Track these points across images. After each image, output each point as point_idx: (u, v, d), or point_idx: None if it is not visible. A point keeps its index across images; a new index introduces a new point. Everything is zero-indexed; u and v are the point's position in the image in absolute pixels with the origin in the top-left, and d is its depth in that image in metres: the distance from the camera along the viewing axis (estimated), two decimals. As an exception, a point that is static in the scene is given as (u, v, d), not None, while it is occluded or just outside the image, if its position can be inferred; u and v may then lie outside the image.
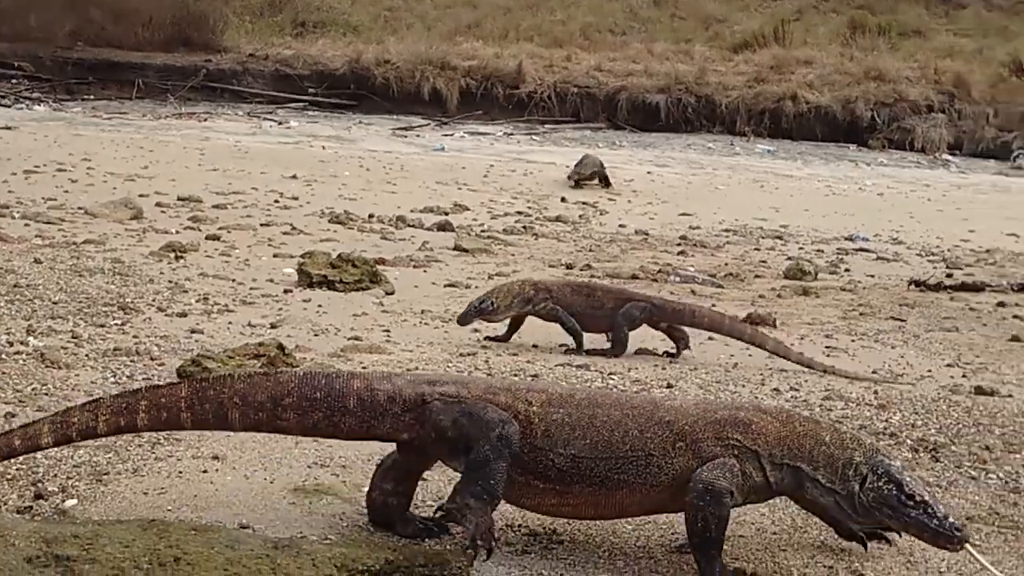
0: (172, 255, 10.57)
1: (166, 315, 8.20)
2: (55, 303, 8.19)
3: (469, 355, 7.60)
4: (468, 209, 16.11)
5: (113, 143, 21.41)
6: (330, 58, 34.02)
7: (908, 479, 3.98)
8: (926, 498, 3.93)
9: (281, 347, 6.68)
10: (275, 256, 11.17)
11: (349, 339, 7.83)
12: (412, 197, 16.80)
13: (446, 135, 28.83)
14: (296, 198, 15.81)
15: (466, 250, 12.31)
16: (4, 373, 6.20)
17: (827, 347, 8.70)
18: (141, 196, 14.32)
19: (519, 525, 4.55)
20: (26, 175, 15.88)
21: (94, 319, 7.79)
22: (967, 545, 3.91)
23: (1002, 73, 33.05)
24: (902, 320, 10.00)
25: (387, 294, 9.66)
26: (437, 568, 4.00)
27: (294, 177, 18.09)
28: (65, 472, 4.72)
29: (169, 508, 4.40)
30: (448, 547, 4.25)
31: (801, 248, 14.74)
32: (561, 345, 8.10)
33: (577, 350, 7.98)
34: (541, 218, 15.89)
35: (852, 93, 31.96)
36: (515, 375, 7.01)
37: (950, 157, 30.06)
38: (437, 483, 4.80)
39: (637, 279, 11.31)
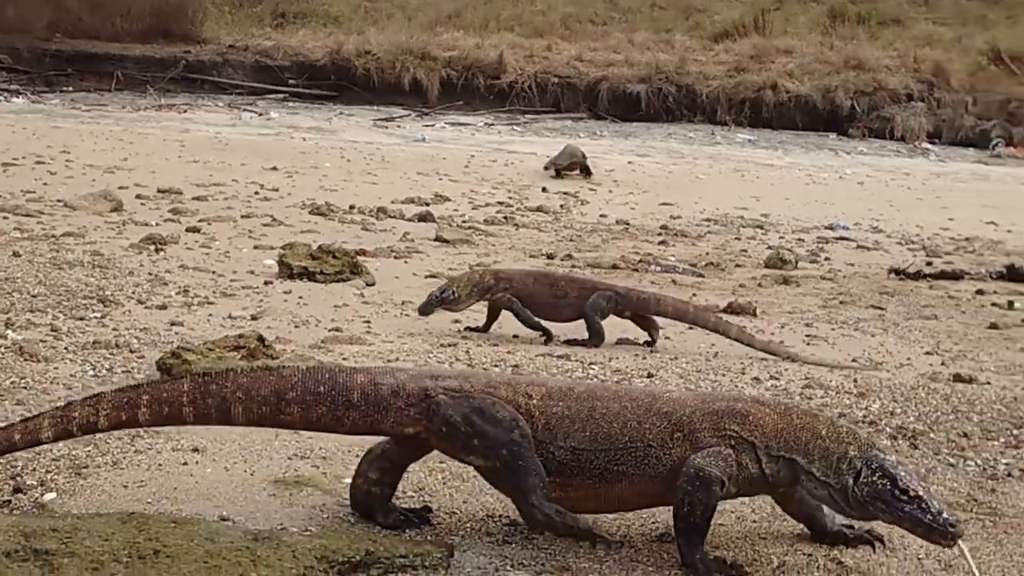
0: (152, 247, 10.53)
1: (146, 307, 8.17)
2: (34, 296, 8.16)
3: (450, 346, 7.60)
4: (449, 200, 16.10)
5: (92, 135, 21.33)
6: (310, 49, 33.95)
7: (903, 474, 3.98)
8: (920, 493, 3.93)
9: (261, 339, 6.67)
10: (255, 248, 11.14)
11: (330, 330, 7.82)
12: (393, 188, 16.78)
13: (427, 126, 28.80)
14: (277, 189, 15.77)
15: (447, 241, 12.30)
16: (-17, 367, 6.18)
17: (807, 336, 8.73)
18: (121, 188, 14.26)
19: (500, 515, 4.56)
20: (4, 168, 15.81)
21: (73, 312, 7.76)
22: (960, 542, 3.92)
23: (981, 62, 33.18)
24: (882, 308, 10.05)
25: (368, 285, 9.65)
26: (418, 559, 4.00)
27: (275, 169, 18.05)
28: (44, 466, 4.71)
29: (149, 501, 4.39)
30: (428, 537, 4.25)
31: (782, 237, 14.78)
32: (542, 335, 8.10)
33: (546, 340, 7.96)
34: (522, 208, 15.89)
35: (832, 82, 32.06)
36: (496, 366, 7.02)
37: (929, 146, 30.18)
38: (418, 474, 4.80)
39: (618, 269, 11.32)
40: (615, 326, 8.31)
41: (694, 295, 10.13)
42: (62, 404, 4.20)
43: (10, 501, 4.35)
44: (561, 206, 16.39)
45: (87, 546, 3.66)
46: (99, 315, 7.76)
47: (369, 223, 13.37)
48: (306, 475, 4.81)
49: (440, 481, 4.82)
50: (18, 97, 29.51)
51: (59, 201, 12.96)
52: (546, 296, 8.06)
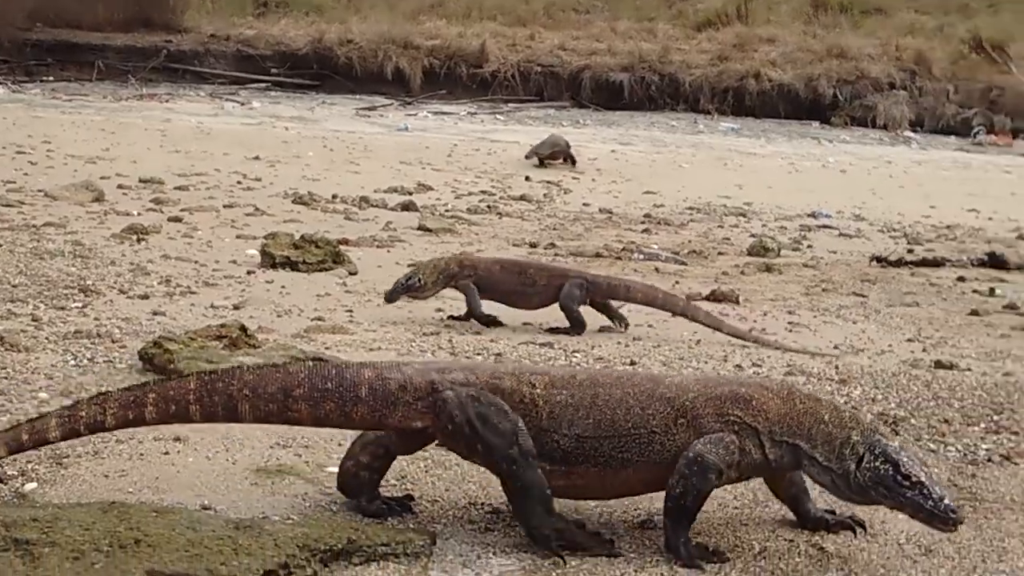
0: (134, 237, 10.50)
1: (128, 297, 8.15)
2: (15, 286, 8.12)
3: (432, 334, 7.60)
4: (432, 189, 16.08)
5: (73, 125, 21.24)
6: (292, 38, 33.84)
7: (905, 459, 3.99)
8: (922, 479, 3.93)
9: (243, 328, 6.66)
10: (238, 237, 11.11)
11: (312, 320, 7.81)
12: (376, 177, 16.75)
13: (410, 115, 28.74)
14: (259, 179, 15.73)
15: (430, 230, 12.29)
16: (-37, 357, 6.15)
17: (789, 323, 8.75)
18: (102, 178, 14.21)
19: (482, 503, 4.56)
20: (-16, 158, 15.73)
21: (54, 302, 7.73)
22: (961, 529, 3.94)
23: (962, 50, 33.25)
24: (863, 296, 10.08)
25: (350, 274, 9.64)
26: (400, 547, 4.01)
27: (257, 158, 18.00)
28: (25, 455, 4.66)
29: (130, 490, 4.38)
30: (411, 525, 4.26)
31: (764, 225, 14.80)
32: (487, 325, 8.07)
33: (488, 327, 7.93)
34: (505, 197, 15.88)
35: (814, 71, 32.09)
36: (478, 354, 7.02)
37: (911, 134, 30.26)
38: (400, 463, 4.78)
39: (601, 257, 11.33)
40: (597, 314, 8.32)
41: (677, 283, 10.15)
42: (69, 404, 4.18)
43: (-9, 491, 4.34)
44: (544, 195, 16.39)
45: (68, 536, 3.65)
46: (80, 305, 7.73)
47: (352, 212, 13.35)
48: (288, 464, 4.81)
49: (422, 469, 4.82)
50: (-2, 87, 29.37)
51: (40, 191, 12.91)
52: (514, 284, 8.04)
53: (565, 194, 16.77)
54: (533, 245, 11.90)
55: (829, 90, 31.80)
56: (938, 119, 31.23)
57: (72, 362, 6.23)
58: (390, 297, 8.01)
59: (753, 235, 13.44)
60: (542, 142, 20.07)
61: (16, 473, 4.51)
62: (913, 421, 6.03)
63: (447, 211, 14.04)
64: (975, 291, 10.61)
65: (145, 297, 8.17)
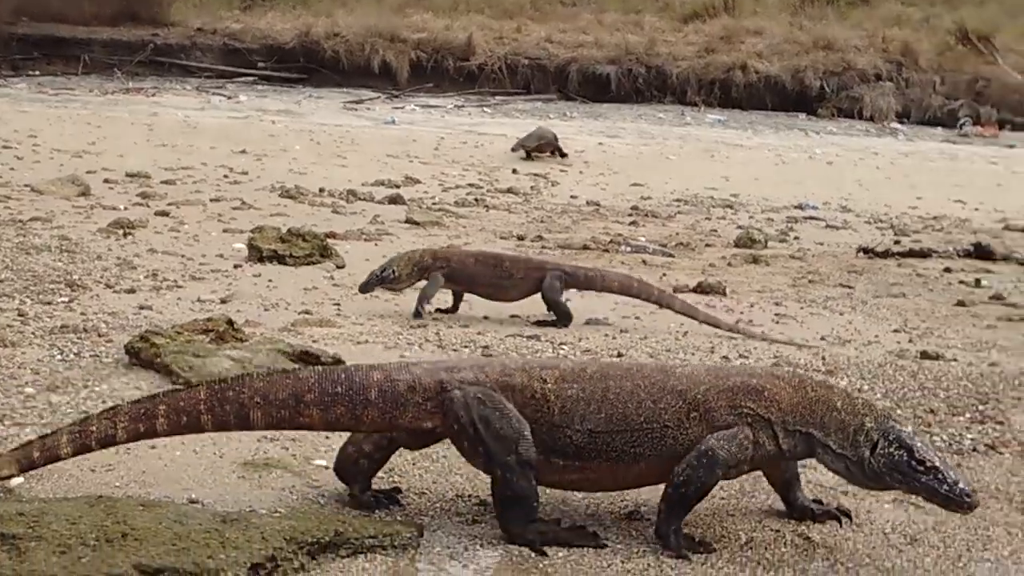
0: (120, 231, 10.47)
1: (114, 291, 8.13)
2: (0, 281, 8.10)
3: (419, 327, 7.60)
4: (419, 182, 16.07)
5: (59, 119, 21.16)
6: (279, 32, 33.75)
7: (919, 445, 4.02)
8: (936, 463, 3.97)
9: (230, 322, 6.65)
10: (225, 231, 11.09)
11: (300, 313, 7.81)
12: (363, 171, 16.73)
13: (397, 108, 28.70)
14: (246, 173, 15.71)
15: (417, 223, 12.29)
16: (-51, 352, 6.14)
17: (776, 314, 8.77)
18: (88, 173, 14.16)
19: (469, 495, 4.57)
20: (-30, 153, 15.67)
21: (40, 296, 7.71)
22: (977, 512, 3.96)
23: (948, 41, 33.30)
24: (850, 287, 10.11)
25: (338, 268, 9.63)
26: (387, 539, 4.02)
27: (244, 152, 17.96)
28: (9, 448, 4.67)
29: (117, 484, 4.37)
30: (398, 518, 4.26)
31: (751, 217, 14.82)
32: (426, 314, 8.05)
33: (416, 316, 7.91)
34: (492, 190, 15.88)
35: (801, 62, 32.11)
36: (465, 347, 7.03)
37: (898, 125, 30.31)
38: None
39: (588, 249, 11.34)
40: (585, 307, 8.34)
41: (664, 275, 10.16)
42: (79, 419, 4.17)
43: (-23, 486, 4.33)
44: (531, 188, 16.39)
45: (54, 530, 3.65)
46: (67, 299, 7.71)
47: (339, 206, 13.34)
48: (275, 457, 4.81)
49: (409, 462, 4.82)
50: (-16, 81, 29.24)
51: (26, 186, 12.86)
52: (490, 277, 8.05)
53: (552, 187, 16.78)
54: (520, 238, 11.90)
55: (816, 82, 31.83)
56: (924, 110, 31.29)
57: (58, 356, 6.21)
58: (364, 288, 8.03)
59: (740, 227, 13.47)
60: (528, 135, 20.06)
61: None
62: (899, 411, 6.04)
63: (434, 204, 14.04)
64: (961, 282, 10.64)
65: (131, 291, 8.15)
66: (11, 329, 6.70)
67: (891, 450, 4.01)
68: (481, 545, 4.12)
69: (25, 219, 10.75)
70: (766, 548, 4.22)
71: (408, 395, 4.16)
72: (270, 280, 8.94)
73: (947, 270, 11.20)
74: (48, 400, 5.38)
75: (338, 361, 6.20)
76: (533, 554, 4.05)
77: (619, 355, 7.01)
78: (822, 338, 7.96)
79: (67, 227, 10.55)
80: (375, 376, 4.17)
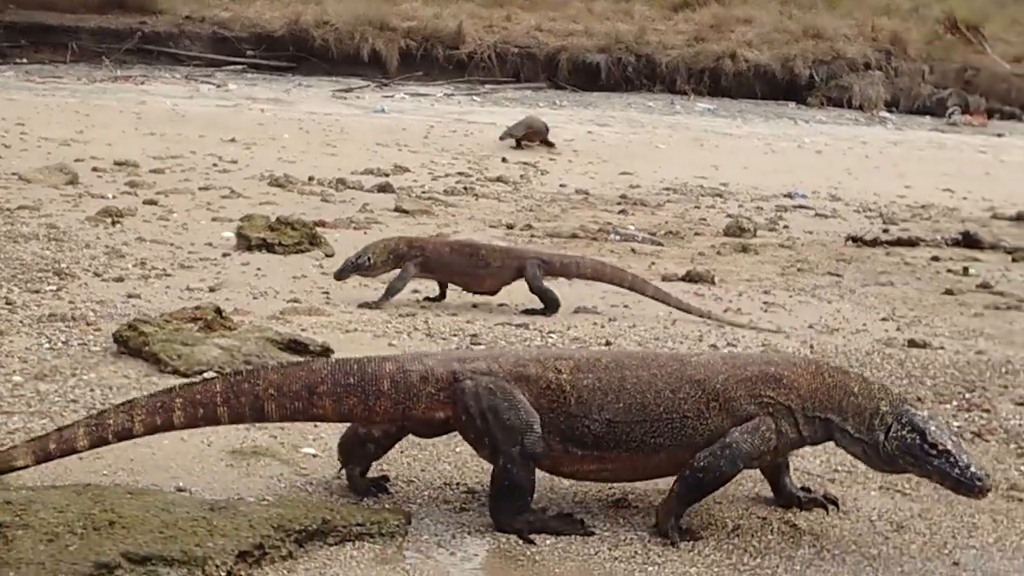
0: (109, 220, 10.44)
1: (102, 280, 8.12)
2: (-12, 269, 8.09)
3: (408, 316, 7.61)
4: (409, 171, 16.04)
5: (47, 107, 21.09)
6: (268, 20, 33.63)
7: (932, 428, 4.03)
8: (949, 447, 3.98)
9: (219, 310, 6.65)
10: (214, 220, 11.07)
11: (288, 301, 7.81)
12: (352, 159, 16.70)
13: (386, 97, 28.65)
14: (235, 161, 15.67)
15: (407, 211, 12.28)
16: (-64, 341, 6.13)
17: (765, 303, 8.78)
18: (77, 161, 14.12)
19: (457, 483, 4.58)
20: (-42, 141, 15.62)
21: (29, 285, 7.69)
22: (990, 496, 3.97)
23: (937, 30, 33.35)
24: (839, 275, 10.13)
25: (327, 256, 9.62)
26: (375, 527, 4.03)
27: (233, 140, 17.92)
28: (-1, 439, 4.68)
29: (104, 473, 4.37)
30: (386, 505, 4.27)
31: (740, 206, 14.83)
32: (363, 304, 8.01)
33: (375, 304, 7.87)
34: (482, 179, 15.86)
35: (791, 51, 32.12)
36: (454, 335, 7.04)
37: (887, 114, 30.35)
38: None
39: (577, 238, 11.34)
40: (574, 295, 8.35)
41: (653, 264, 10.18)
42: (96, 412, 4.18)
43: (-36, 474, 4.32)
44: (521, 176, 16.37)
45: (42, 518, 3.65)
46: (55, 288, 7.70)
47: (328, 194, 13.32)
48: (263, 445, 4.81)
49: (397, 449, 4.81)
50: (-29, 69, 29.11)
51: (14, 174, 12.81)
52: (465, 265, 8.04)
53: (542, 175, 16.76)
54: (510, 226, 11.90)
55: (805, 70, 31.84)
56: (913, 99, 31.33)
57: (46, 345, 6.21)
58: (339, 275, 8.02)
59: (729, 216, 13.47)
60: (517, 123, 20.03)
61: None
62: (886, 399, 6.05)
63: (424, 193, 14.02)
64: (949, 270, 10.67)
65: (120, 280, 8.14)
66: (-1, 317, 6.69)
67: (904, 433, 4.04)
68: (469, 533, 4.14)
69: (13, 207, 10.72)
70: (752, 535, 4.24)
71: (420, 386, 4.17)
72: (259, 268, 8.94)
73: (935, 259, 11.24)
74: (36, 388, 5.38)
75: (327, 349, 6.21)
76: (521, 542, 4.06)
77: (607, 343, 7.03)
78: (810, 326, 7.99)
79: (55, 215, 10.52)
80: (387, 367, 4.19)
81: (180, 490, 4.24)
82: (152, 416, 4.04)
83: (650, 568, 3.94)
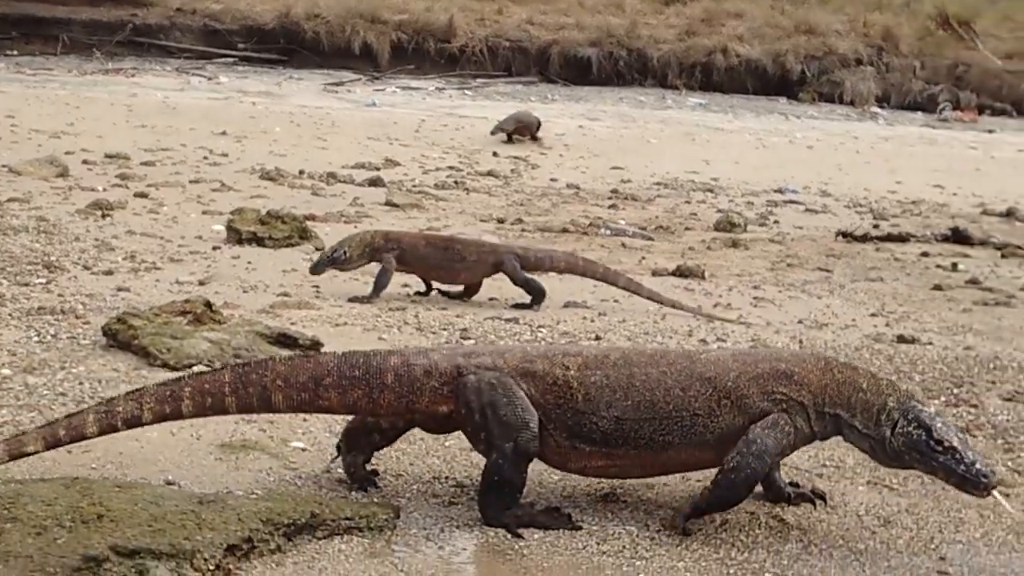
0: (99, 213, 10.43)
1: (92, 273, 8.11)
2: (-23, 262, 8.07)
3: (398, 310, 7.61)
4: (399, 164, 16.04)
5: (38, 99, 21.04)
6: (259, 12, 33.54)
7: (939, 425, 4.04)
8: (955, 444, 3.99)
9: (208, 304, 6.64)
10: (204, 213, 11.06)
11: (278, 295, 7.81)
12: (343, 153, 16.69)
13: (377, 90, 28.62)
14: (226, 154, 15.65)
15: (397, 205, 12.27)
16: (-75, 333, 6.11)
17: (755, 298, 8.80)
18: (67, 153, 14.10)
19: (446, 477, 4.59)
20: (-53, 133, 15.57)
21: (18, 278, 7.68)
22: (995, 492, 3.97)
23: (929, 26, 33.38)
24: (828, 271, 10.15)
25: (317, 250, 9.58)
26: (363, 520, 4.03)
27: (224, 133, 17.89)
28: (-13, 432, 4.67)
29: (93, 466, 4.37)
30: (375, 499, 4.28)
31: (731, 201, 14.85)
32: (354, 299, 8.02)
33: (366, 298, 7.87)
34: (473, 173, 15.86)
35: (782, 46, 32.13)
36: (444, 329, 7.04)
37: (878, 110, 30.38)
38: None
39: (568, 232, 11.35)
40: (564, 290, 8.35)
41: (643, 259, 10.19)
42: (106, 399, 4.20)
43: (-47, 467, 4.31)
44: (512, 171, 16.37)
45: (30, 511, 3.65)
46: (44, 281, 7.68)
47: (319, 188, 13.31)
48: (252, 439, 4.81)
49: (386, 443, 4.83)
50: (-39, 61, 29.02)
51: (4, 166, 12.78)
52: (440, 259, 8.05)
53: (532, 169, 16.77)
54: (500, 220, 11.90)
55: (797, 66, 31.86)
56: (905, 95, 31.36)
57: (35, 338, 6.20)
58: (315, 269, 8.00)
59: (720, 210, 13.49)
60: (508, 118, 20.03)
61: (-22, 449, 4.48)
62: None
63: (414, 187, 14.02)
64: (938, 266, 10.70)
65: (109, 273, 8.13)
66: (-12, 310, 6.68)
67: (910, 429, 4.05)
68: (457, 527, 4.14)
69: (2, 200, 10.70)
70: (740, 530, 4.26)
71: (424, 380, 4.19)
72: (249, 262, 8.93)
73: (925, 254, 11.26)
74: (25, 382, 5.37)
75: (316, 343, 6.21)
76: (509, 536, 4.07)
77: (597, 338, 7.04)
78: (799, 321, 8.00)
79: (45, 208, 10.50)
80: (392, 361, 4.21)
81: (169, 484, 4.25)
82: (161, 404, 4.08)
83: (638, 563, 3.95)
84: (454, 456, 4.81)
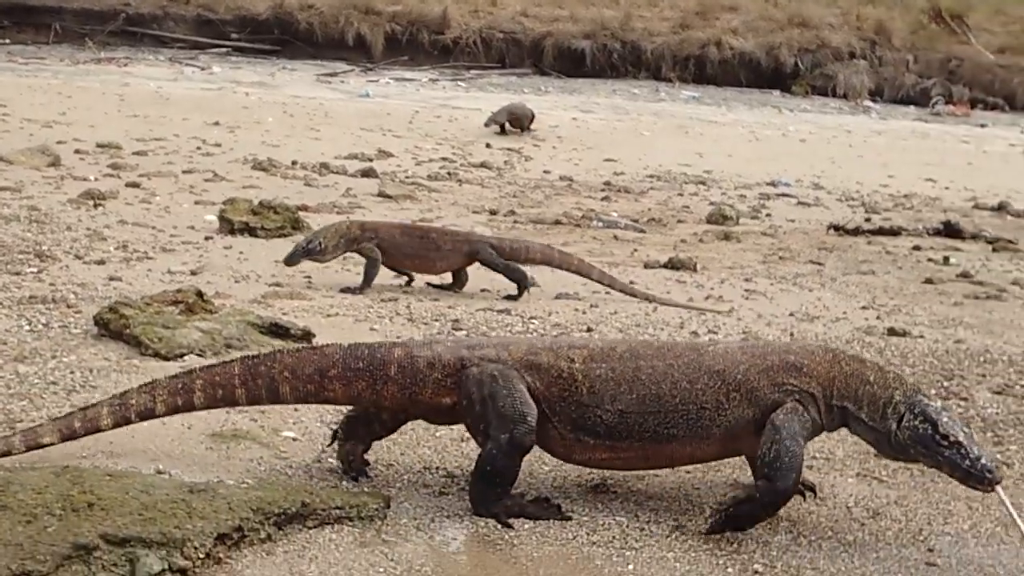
0: (91, 202, 10.42)
1: (84, 263, 8.10)
2: (-31, 251, 8.06)
3: (390, 300, 7.61)
4: (392, 156, 16.04)
5: (30, 89, 20.99)
6: (253, 3, 33.48)
7: (944, 419, 4.04)
8: (960, 438, 3.98)
9: (200, 293, 6.63)
10: (196, 203, 11.05)
11: (270, 285, 7.81)
12: (336, 144, 16.68)
13: (371, 81, 28.59)
14: (218, 145, 15.63)
15: (390, 196, 12.27)
16: (-84, 322, 6.11)
17: (746, 290, 8.81)
18: (59, 143, 14.07)
19: (436, 467, 4.59)
20: (-61, 122, 15.53)
21: (9, 267, 7.67)
22: (998, 488, 3.98)
23: (922, 20, 33.42)
24: (820, 264, 10.16)
25: (309, 241, 9.60)
26: (354, 510, 4.04)
27: (216, 124, 17.87)
28: (-23, 420, 4.67)
29: (84, 455, 4.36)
30: (365, 489, 4.28)
31: (724, 193, 14.87)
32: (345, 289, 7.99)
33: (357, 289, 7.88)
34: (466, 164, 15.86)
35: (776, 39, 32.15)
36: (436, 320, 7.04)
37: (871, 103, 30.42)
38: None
39: (560, 224, 11.36)
40: (555, 281, 8.36)
41: (635, 251, 10.20)
42: (119, 392, 4.28)
43: (-57, 456, 4.31)
44: (505, 162, 16.38)
45: (20, 499, 3.65)
46: (35, 270, 7.67)
47: (312, 179, 13.30)
48: (243, 429, 4.81)
49: (377, 433, 4.83)
50: (-47, 50, 28.93)
51: (-5, 155, 12.77)
52: (416, 248, 8.07)
53: (526, 161, 16.77)
54: (493, 212, 11.90)
55: (790, 59, 31.89)
56: (897, 89, 31.40)
57: (27, 327, 6.19)
58: (289, 260, 7.94)
59: (712, 203, 13.50)
60: (501, 109, 20.04)
61: (-31, 437, 4.48)
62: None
63: (407, 178, 14.02)
64: (930, 260, 10.72)
65: (101, 262, 8.12)
66: (-21, 299, 6.67)
67: (916, 423, 4.04)
68: (448, 517, 4.15)
69: (-6, 189, 10.69)
70: (730, 521, 4.26)
71: (427, 371, 4.20)
72: (241, 252, 8.93)
73: (916, 248, 11.28)
74: (16, 370, 5.36)
75: (308, 334, 6.21)
76: (499, 527, 4.08)
77: (588, 329, 7.05)
78: (791, 314, 8.01)
79: (37, 197, 10.48)
80: (396, 353, 4.23)
81: (160, 472, 4.24)
82: (173, 397, 4.17)
83: (628, 553, 3.96)
84: (445, 446, 4.82)
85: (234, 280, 7.94)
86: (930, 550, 4.15)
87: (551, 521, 4.13)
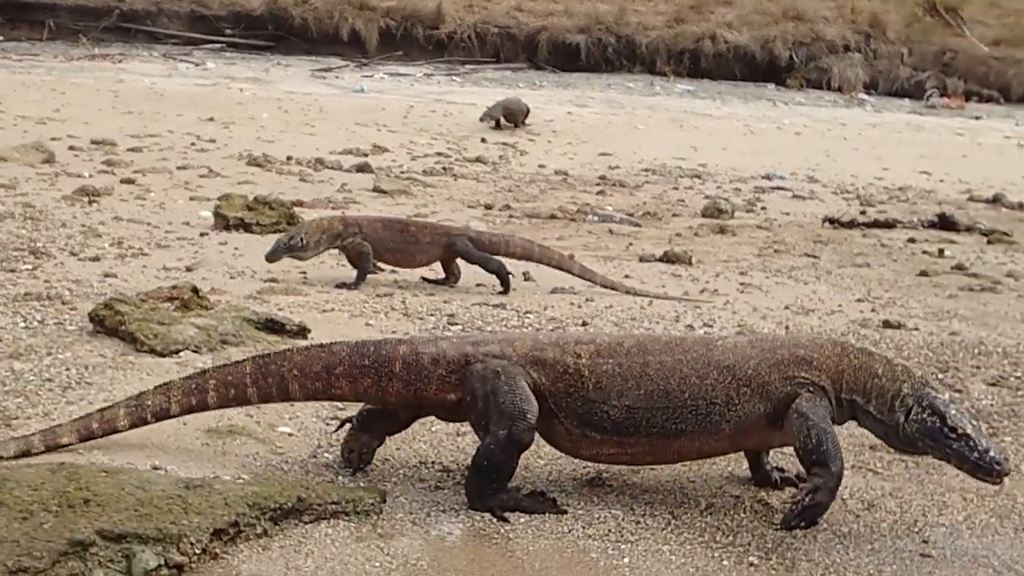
0: (85, 199, 10.41)
1: (79, 259, 8.09)
2: (-36, 248, 8.05)
3: (385, 296, 7.61)
4: (388, 151, 16.03)
5: (24, 85, 20.97)
6: (247, -2, 33.50)
7: (953, 412, 4.04)
8: (968, 431, 3.99)
9: (195, 290, 6.63)
10: (191, 199, 11.05)
11: (265, 281, 7.80)
12: (331, 139, 16.67)
13: (366, 76, 28.58)
14: (213, 141, 15.62)
15: (385, 191, 12.26)
16: (-89, 319, 6.10)
17: (741, 283, 8.82)
18: (53, 139, 14.06)
19: (432, 462, 4.60)
20: (-67, 119, 15.50)
21: (4, 264, 7.66)
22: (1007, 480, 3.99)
23: (917, 13, 33.46)
24: (815, 257, 10.17)
25: (305, 236, 9.60)
26: (350, 504, 4.04)
27: (211, 120, 17.86)
28: (-28, 417, 4.67)
29: (80, 451, 4.36)
30: (361, 484, 4.29)
31: (719, 187, 14.87)
32: (340, 284, 7.95)
33: (352, 284, 7.88)
34: (461, 159, 15.86)
35: (771, 33, 32.18)
36: (431, 315, 7.05)
37: (866, 96, 30.44)
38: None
39: (556, 219, 11.36)
40: (552, 276, 8.37)
41: (631, 245, 10.20)
42: (136, 394, 4.36)
43: (-61, 453, 4.31)
44: (500, 157, 16.38)
45: (16, 496, 3.65)
46: (30, 267, 7.67)
47: (307, 174, 13.30)
48: (239, 424, 4.81)
49: (373, 428, 4.83)
50: (-53, 47, 28.89)
51: (-11, 153, 12.75)
52: (398, 242, 8.07)
53: (521, 156, 16.77)
54: (488, 207, 11.90)
55: (785, 52, 31.92)
56: (892, 82, 31.44)
57: (22, 324, 6.18)
58: (270, 257, 7.87)
59: (707, 197, 13.51)
60: (496, 104, 20.05)
61: (-35, 434, 4.49)
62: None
63: (402, 173, 14.01)
64: (925, 252, 10.73)
65: (96, 259, 8.12)
66: (-26, 296, 6.66)
67: (924, 416, 4.04)
68: (444, 511, 4.15)
69: (-11, 186, 10.68)
70: (725, 513, 4.28)
71: (432, 368, 4.22)
72: (236, 248, 8.92)
73: (911, 240, 11.29)
74: (11, 367, 5.36)
75: (303, 329, 6.21)
76: (495, 521, 4.08)
77: (584, 323, 7.05)
78: (786, 307, 8.02)
79: (31, 194, 10.47)
80: (401, 349, 4.25)
81: (155, 468, 4.24)
82: (188, 397, 4.25)
83: (623, 546, 3.97)
84: (440, 441, 4.82)
85: (229, 276, 7.94)
86: (925, 541, 4.16)
87: (547, 515, 4.13)
